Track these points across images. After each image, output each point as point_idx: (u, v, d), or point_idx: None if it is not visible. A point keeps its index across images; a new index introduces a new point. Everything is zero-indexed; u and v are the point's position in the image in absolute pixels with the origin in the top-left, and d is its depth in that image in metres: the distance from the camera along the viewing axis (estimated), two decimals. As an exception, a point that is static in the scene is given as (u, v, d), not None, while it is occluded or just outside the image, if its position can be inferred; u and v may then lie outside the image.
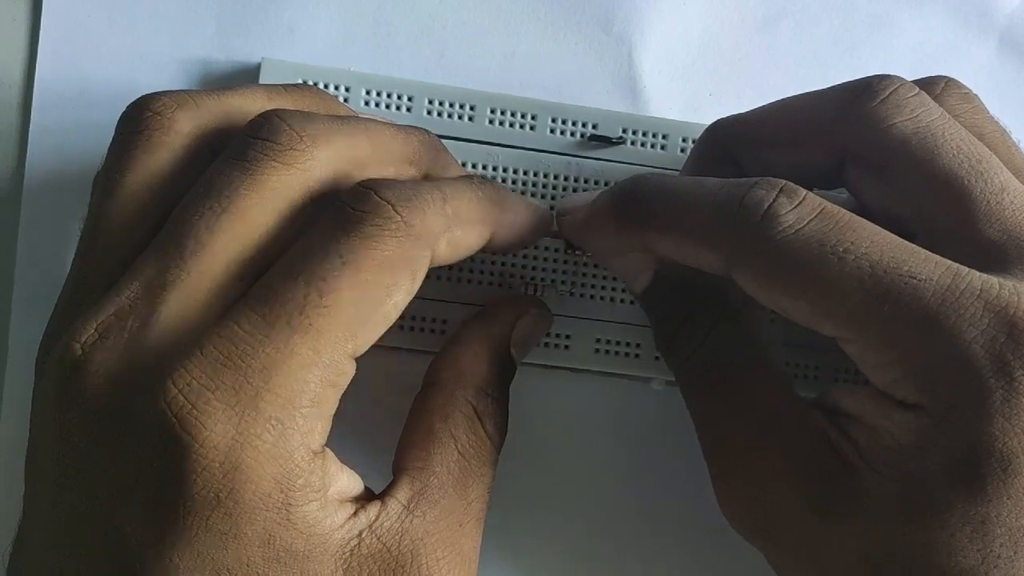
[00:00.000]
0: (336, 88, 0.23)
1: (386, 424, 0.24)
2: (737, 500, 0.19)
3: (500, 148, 0.23)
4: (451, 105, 0.23)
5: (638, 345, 0.23)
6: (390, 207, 0.17)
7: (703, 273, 0.19)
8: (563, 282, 0.23)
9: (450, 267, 0.23)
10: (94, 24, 0.23)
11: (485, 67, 0.24)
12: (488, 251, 0.20)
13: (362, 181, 0.17)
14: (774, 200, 0.17)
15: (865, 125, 0.19)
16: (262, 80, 0.22)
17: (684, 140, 0.23)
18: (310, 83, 0.22)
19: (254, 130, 0.17)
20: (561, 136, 0.23)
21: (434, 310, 0.23)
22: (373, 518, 0.17)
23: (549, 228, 0.21)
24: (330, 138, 0.17)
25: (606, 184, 0.23)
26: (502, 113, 0.23)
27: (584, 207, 0.21)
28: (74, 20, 0.23)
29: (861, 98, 0.19)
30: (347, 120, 0.18)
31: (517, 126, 0.23)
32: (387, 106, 0.23)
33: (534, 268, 0.23)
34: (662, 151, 0.23)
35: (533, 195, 0.23)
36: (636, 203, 0.19)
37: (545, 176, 0.23)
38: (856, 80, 0.20)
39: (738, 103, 0.25)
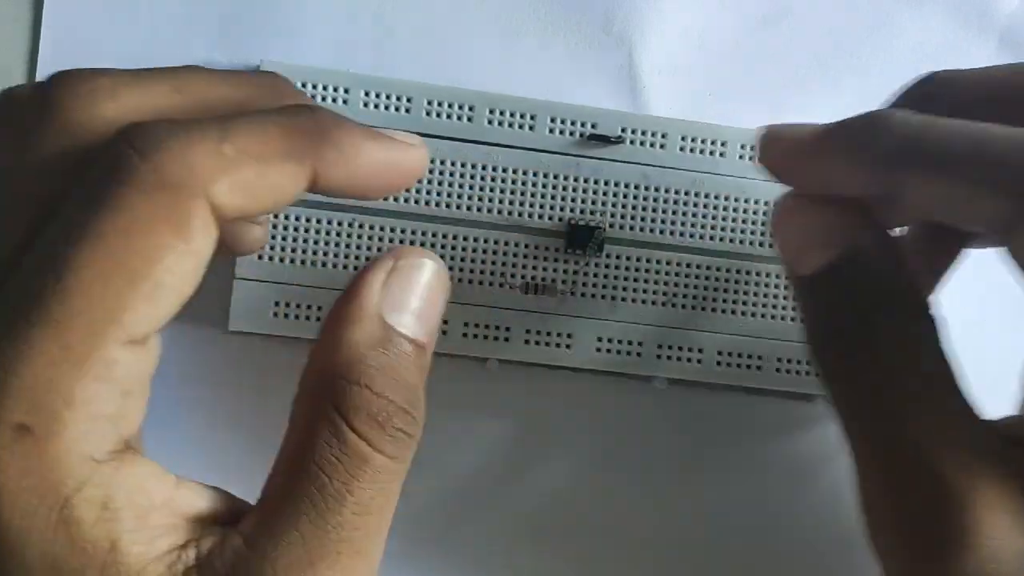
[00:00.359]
0: (335, 90, 0.23)
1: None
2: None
3: (499, 148, 0.23)
4: (450, 106, 0.23)
5: (640, 344, 0.23)
6: (133, 154, 0.14)
7: (900, 260, 0.16)
8: (564, 281, 0.23)
9: (449, 267, 0.23)
10: (95, 24, 0.23)
11: (484, 67, 0.24)
12: (329, 194, 0.16)
13: (121, 127, 0.14)
14: None
15: None
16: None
17: (684, 139, 0.23)
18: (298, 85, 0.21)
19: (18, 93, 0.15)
20: (560, 136, 0.23)
21: (434, 310, 0.23)
22: (204, 553, 0.14)
23: (419, 167, 0.17)
24: (115, 91, 0.15)
25: (605, 183, 0.23)
26: (501, 113, 0.23)
27: (813, 126, 0.17)
28: (75, 20, 0.23)
29: None
30: (149, 72, 0.16)
31: (516, 126, 0.23)
32: (386, 107, 0.23)
33: (535, 267, 0.23)
34: (662, 150, 0.23)
35: (533, 195, 0.23)
36: (898, 146, 0.16)
37: (545, 176, 0.23)
38: None
39: (738, 103, 0.25)
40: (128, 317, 0.14)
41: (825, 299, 0.17)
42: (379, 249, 0.23)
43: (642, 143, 0.23)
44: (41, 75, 0.23)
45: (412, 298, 0.16)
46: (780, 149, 0.18)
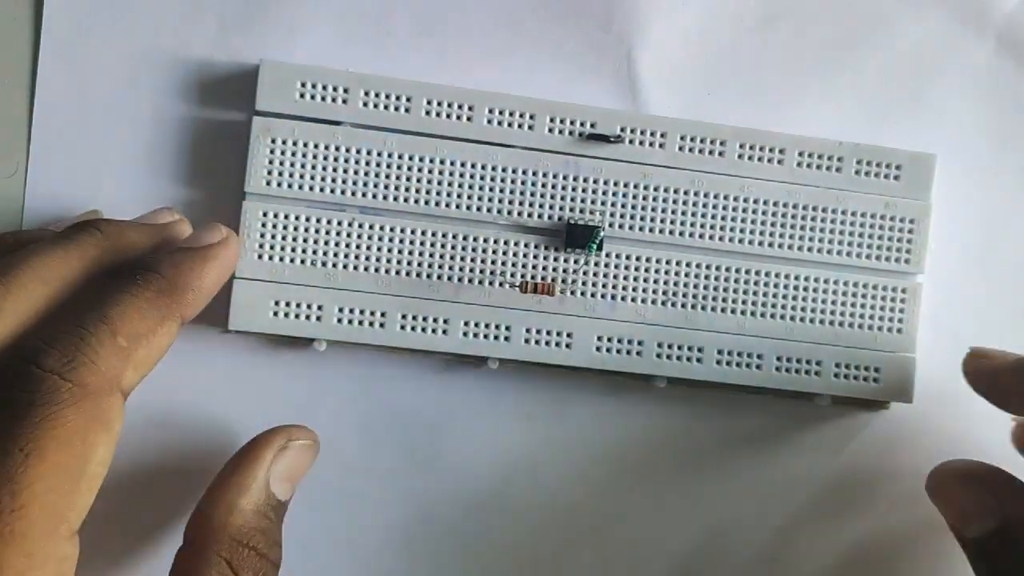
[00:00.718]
0: (335, 89, 0.23)
1: (384, 422, 0.24)
2: None
3: (498, 147, 0.23)
4: (449, 105, 0.23)
5: (640, 343, 0.23)
6: (57, 378, 0.16)
7: None
8: (563, 280, 0.23)
9: (449, 267, 0.23)
10: (95, 24, 0.23)
11: (484, 67, 0.24)
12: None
13: (18, 350, 0.16)
14: None
15: None
16: (260, 81, 0.23)
17: (682, 138, 0.23)
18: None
19: None
20: (559, 135, 0.23)
21: (435, 310, 0.23)
22: None
23: (237, 255, 0.21)
24: None
25: (604, 182, 0.23)
26: (500, 112, 0.23)
27: (1016, 356, 0.19)
28: (75, 20, 0.23)
29: None
30: (13, 267, 0.17)
31: (515, 125, 0.23)
32: (385, 106, 0.23)
33: (534, 267, 0.23)
34: (660, 149, 0.23)
35: (532, 194, 0.23)
36: None
37: (544, 175, 0.23)
38: None
39: (737, 102, 0.25)
40: (74, 515, 0.16)
41: (993, 561, 0.20)
42: (378, 248, 0.23)
43: (641, 142, 0.23)
44: (42, 75, 0.23)
45: (295, 472, 0.21)
46: (987, 373, 0.20)
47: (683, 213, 0.24)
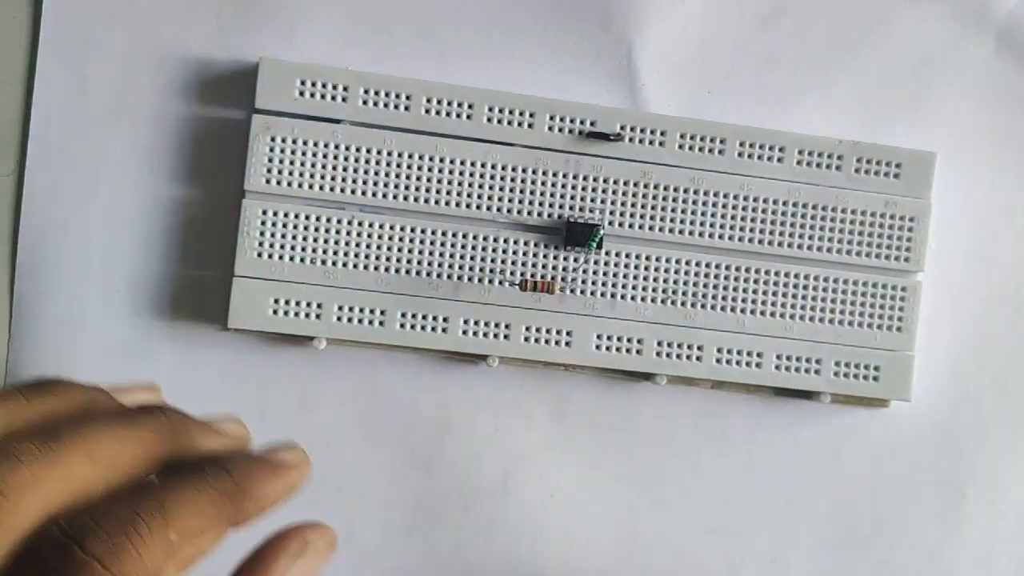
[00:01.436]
0: (335, 87, 0.23)
1: (384, 420, 0.24)
2: None
3: (498, 146, 0.23)
4: (449, 103, 0.23)
5: (639, 341, 0.23)
6: (97, 566, 0.15)
7: None
8: (563, 279, 0.23)
9: (449, 265, 0.23)
10: (94, 23, 0.23)
11: (484, 65, 0.24)
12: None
13: (63, 525, 0.15)
14: None
15: None
16: (260, 79, 0.23)
17: (682, 137, 0.23)
18: (59, 380, 0.20)
19: None
20: (559, 133, 0.23)
21: (434, 308, 0.23)
22: None
23: (303, 483, 0.20)
24: (37, 478, 0.16)
25: (604, 181, 0.23)
26: (500, 111, 0.23)
27: None
28: (74, 19, 0.23)
29: None
30: (60, 440, 0.17)
31: (516, 124, 0.23)
32: (385, 104, 0.23)
33: (533, 266, 0.23)
34: (660, 147, 0.23)
35: (532, 193, 0.23)
36: None
37: (544, 173, 0.23)
38: None
39: (736, 101, 0.25)
40: None
41: None
42: (378, 247, 0.23)
43: (641, 140, 0.23)
44: (40, 67, 0.23)
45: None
46: None
47: (683, 211, 0.23)
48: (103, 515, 0.16)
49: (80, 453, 0.16)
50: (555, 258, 0.23)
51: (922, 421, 0.24)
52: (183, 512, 0.16)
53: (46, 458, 0.16)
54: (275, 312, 0.23)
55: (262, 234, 0.23)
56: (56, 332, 0.23)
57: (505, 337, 0.23)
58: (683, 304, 0.23)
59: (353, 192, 0.23)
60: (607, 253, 0.23)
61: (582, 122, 0.23)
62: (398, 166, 0.23)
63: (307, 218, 0.23)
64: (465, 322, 0.23)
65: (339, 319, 0.23)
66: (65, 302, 0.23)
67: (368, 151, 0.23)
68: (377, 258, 0.23)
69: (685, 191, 0.23)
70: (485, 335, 0.23)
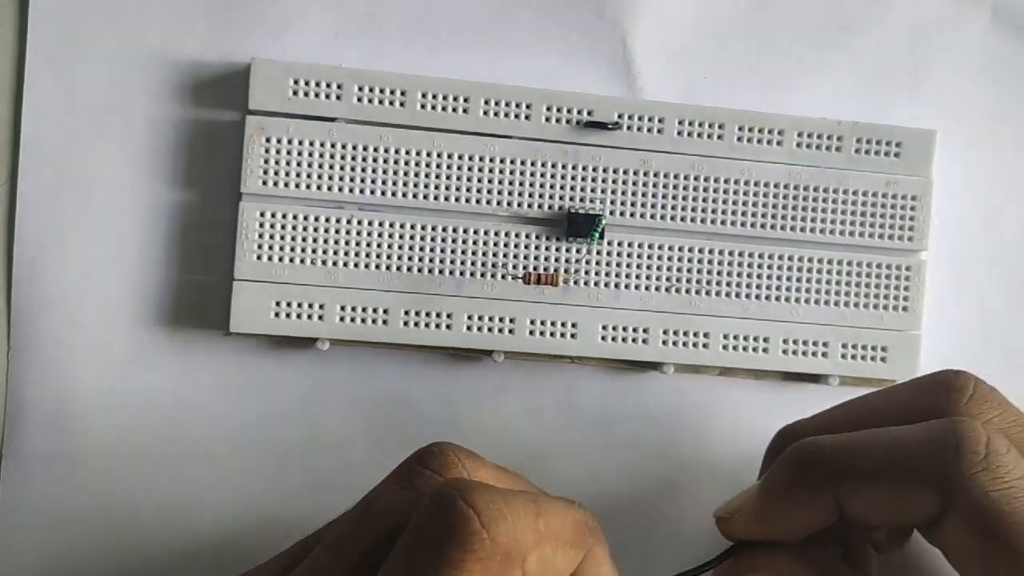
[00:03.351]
0: (328, 85, 0.23)
1: (391, 420, 0.24)
2: None
3: (496, 139, 0.23)
4: (444, 98, 0.23)
5: (645, 331, 0.23)
6: (476, 521, 0.15)
7: None
8: (566, 270, 0.23)
9: (451, 261, 0.23)
10: (82, 27, 0.23)
11: (478, 58, 0.24)
12: None
13: (451, 480, 0.17)
14: (988, 440, 0.17)
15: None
16: (252, 80, 0.22)
17: (680, 123, 0.23)
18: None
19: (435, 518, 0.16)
20: (556, 124, 0.23)
21: (437, 304, 0.23)
22: None
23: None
24: (505, 515, 0.16)
25: (604, 170, 0.23)
26: (496, 103, 0.23)
27: (751, 496, 0.20)
28: (62, 23, 0.23)
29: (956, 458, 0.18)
30: (518, 494, 0.17)
31: (512, 116, 0.23)
32: (380, 101, 0.23)
33: (536, 258, 0.23)
34: (659, 135, 0.23)
35: (531, 185, 0.23)
36: (825, 463, 0.19)
37: (543, 165, 0.23)
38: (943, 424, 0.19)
39: (735, 85, 0.24)
40: None
41: None
42: (378, 245, 0.23)
43: (639, 128, 0.23)
44: (29, 73, 0.23)
45: None
46: (740, 523, 0.20)
47: (684, 198, 0.23)
48: (480, 485, 0.16)
49: (532, 513, 0.17)
50: (557, 250, 0.23)
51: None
52: (552, 513, 0.17)
53: (503, 499, 0.16)
54: (277, 315, 0.22)
55: (260, 236, 0.22)
56: (56, 344, 0.23)
57: (510, 331, 0.23)
58: (688, 291, 0.23)
59: (351, 190, 0.23)
60: (609, 243, 0.23)
61: (579, 112, 0.23)
62: (395, 163, 0.23)
63: (305, 218, 0.23)
64: (469, 318, 0.23)
65: (342, 319, 0.23)
66: (64, 313, 0.23)
67: (364, 148, 0.23)
68: (378, 256, 0.23)
69: (685, 178, 0.23)
70: (490, 330, 0.23)
